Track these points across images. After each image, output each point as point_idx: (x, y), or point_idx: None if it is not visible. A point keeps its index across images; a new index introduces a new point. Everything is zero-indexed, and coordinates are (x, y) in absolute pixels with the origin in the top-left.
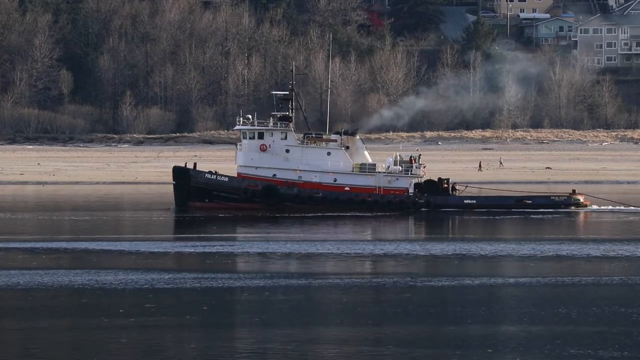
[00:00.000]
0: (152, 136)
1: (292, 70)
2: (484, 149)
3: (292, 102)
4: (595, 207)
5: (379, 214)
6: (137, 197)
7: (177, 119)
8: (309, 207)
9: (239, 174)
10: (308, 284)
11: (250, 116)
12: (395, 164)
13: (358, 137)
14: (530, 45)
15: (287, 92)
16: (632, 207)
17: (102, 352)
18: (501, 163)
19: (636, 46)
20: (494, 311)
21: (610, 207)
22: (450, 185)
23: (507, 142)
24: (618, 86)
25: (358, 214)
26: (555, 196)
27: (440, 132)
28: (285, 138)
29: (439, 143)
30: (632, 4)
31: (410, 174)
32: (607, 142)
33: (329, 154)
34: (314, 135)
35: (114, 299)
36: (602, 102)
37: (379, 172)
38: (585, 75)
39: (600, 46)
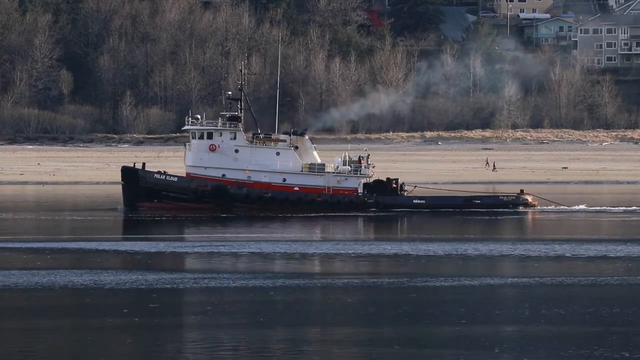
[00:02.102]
0: (152, 136)
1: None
2: (484, 149)
3: (241, 102)
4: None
5: (329, 213)
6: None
7: (177, 119)
8: (259, 207)
9: (188, 174)
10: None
11: (199, 116)
12: (344, 164)
13: (307, 137)
14: (530, 45)
15: (237, 92)
16: (576, 207)
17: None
18: (487, 163)
19: (636, 46)
20: (438, 311)
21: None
22: (399, 185)
23: (507, 142)
24: (618, 86)
25: (308, 214)
26: (503, 196)
27: (440, 132)
28: (235, 138)
29: (439, 143)
30: (632, 4)
31: (359, 174)
32: (607, 142)
33: (278, 154)
34: (262, 136)
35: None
36: (602, 102)
37: (328, 172)
38: (585, 75)
39: (600, 46)
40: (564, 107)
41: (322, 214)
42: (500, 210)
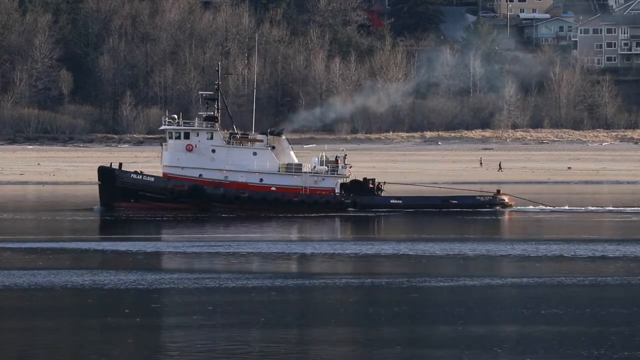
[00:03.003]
0: (152, 136)
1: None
2: (484, 149)
3: (218, 102)
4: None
5: (306, 214)
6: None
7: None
8: (236, 207)
9: (164, 174)
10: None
11: (175, 116)
12: (321, 164)
13: (284, 137)
14: (530, 45)
15: (213, 92)
16: (550, 207)
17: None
18: (481, 164)
19: (636, 46)
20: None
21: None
22: (376, 185)
23: (507, 142)
24: (618, 86)
25: (285, 214)
26: (480, 196)
27: (440, 132)
28: (212, 138)
29: (439, 143)
30: (632, 4)
31: (337, 174)
32: (607, 142)
33: (255, 154)
34: (239, 136)
35: None
36: (602, 102)
37: (305, 172)
38: (585, 75)
39: (600, 46)
40: (564, 107)
41: (300, 214)
42: (477, 210)
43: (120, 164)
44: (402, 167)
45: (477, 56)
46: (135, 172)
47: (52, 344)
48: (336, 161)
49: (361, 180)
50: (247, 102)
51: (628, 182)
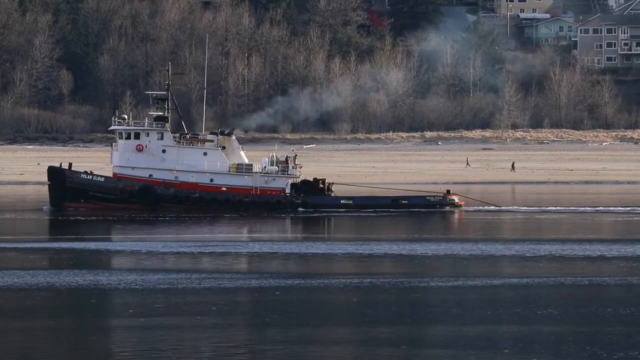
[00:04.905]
0: None
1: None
2: (484, 149)
3: (168, 102)
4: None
5: (256, 214)
6: None
7: (177, 119)
8: (186, 207)
9: (114, 174)
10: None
11: (125, 116)
12: (271, 164)
13: (234, 137)
14: (530, 45)
15: (164, 92)
16: (494, 207)
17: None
18: (468, 164)
19: (636, 46)
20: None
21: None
22: (326, 186)
23: (507, 142)
24: (618, 86)
25: (235, 214)
26: (430, 196)
27: (440, 132)
28: (162, 138)
29: (439, 143)
30: (632, 4)
31: (287, 174)
32: (607, 142)
33: (205, 154)
34: (189, 136)
35: None
36: (602, 102)
37: (256, 172)
38: (585, 75)
39: (600, 46)
40: (564, 107)
41: (250, 214)
42: (427, 210)
43: (70, 164)
44: (402, 167)
45: (477, 56)
46: (85, 172)
47: None
48: (286, 161)
49: (311, 180)
50: (247, 102)
51: (628, 182)
